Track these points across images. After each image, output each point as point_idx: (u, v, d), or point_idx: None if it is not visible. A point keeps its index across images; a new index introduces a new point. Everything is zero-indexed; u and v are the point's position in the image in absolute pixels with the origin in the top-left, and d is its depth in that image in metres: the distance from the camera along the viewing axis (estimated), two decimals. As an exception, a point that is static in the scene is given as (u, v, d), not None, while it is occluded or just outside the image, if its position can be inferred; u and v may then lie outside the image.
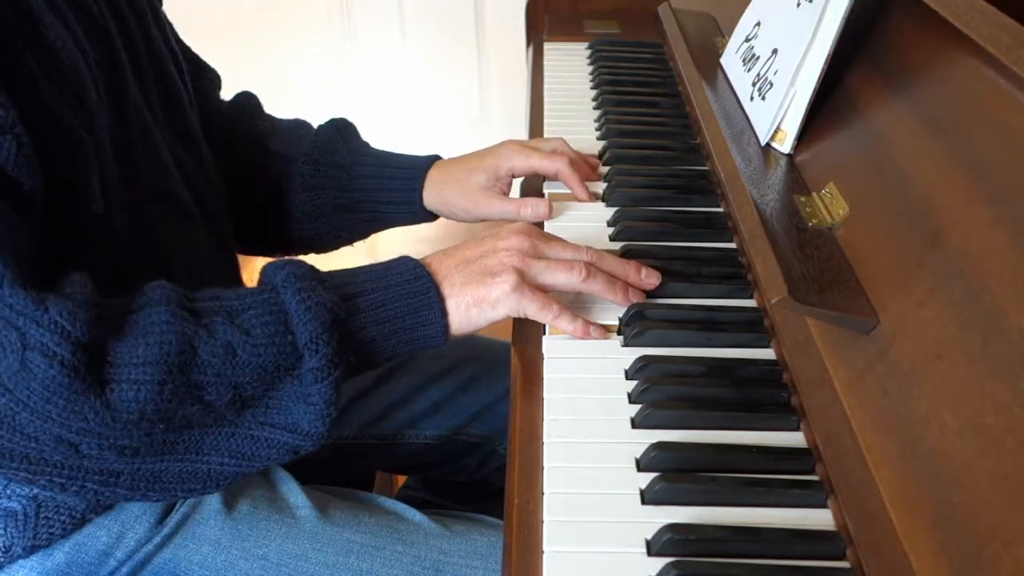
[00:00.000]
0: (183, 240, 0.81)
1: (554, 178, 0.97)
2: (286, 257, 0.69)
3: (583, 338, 0.73)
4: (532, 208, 0.92)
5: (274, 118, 1.03)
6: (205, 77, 0.99)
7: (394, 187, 0.96)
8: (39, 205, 0.63)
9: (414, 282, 0.69)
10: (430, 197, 0.96)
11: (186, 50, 0.97)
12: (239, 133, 0.98)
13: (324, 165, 0.97)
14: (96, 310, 0.59)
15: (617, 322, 0.77)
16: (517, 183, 1.00)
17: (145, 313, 0.60)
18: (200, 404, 0.61)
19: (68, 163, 0.66)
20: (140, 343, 0.59)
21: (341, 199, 0.97)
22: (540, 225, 0.91)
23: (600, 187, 0.99)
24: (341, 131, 0.99)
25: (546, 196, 0.96)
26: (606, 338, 0.74)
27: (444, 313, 0.69)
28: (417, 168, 0.96)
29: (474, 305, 0.70)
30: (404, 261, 0.71)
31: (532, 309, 0.71)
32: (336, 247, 1.03)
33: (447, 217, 0.97)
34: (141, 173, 0.76)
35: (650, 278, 0.78)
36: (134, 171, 0.75)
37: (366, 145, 1.01)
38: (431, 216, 0.98)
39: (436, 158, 0.98)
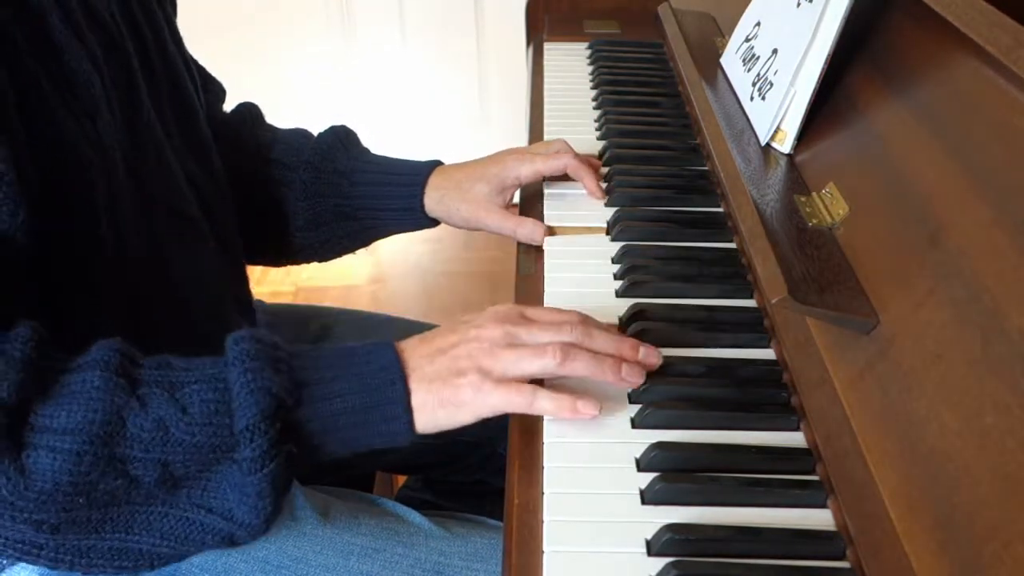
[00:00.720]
0: (193, 256, 0.80)
1: (562, 173, 0.96)
2: (250, 331, 0.63)
3: (572, 418, 0.65)
4: (529, 231, 0.91)
5: (274, 127, 1.02)
6: (210, 90, 0.99)
7: (395, 193, 0.95)
8: (18, 244, 0.61)
9: (380, 372, 0.63)
10: (431, 203, 0.95)
11: (194, 60, 0.97)
12: (241, 143, 0.98)
13: (325, 172, 0.96)
14: (31, 372, 0.56)
15: (617, 321, 0.77)
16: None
17: (78, 377, 0.58)
18: (125, 479, 0.57)
19: (75, 183, 0.66)
20: (64, 409, 0.56)
21: (342, 206, 0.96)
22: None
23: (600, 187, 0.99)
24: (341, 138, 0.99)
25: (544, 195, 0.96)
26: (598, 412, 0.66)
27: (409, 410, 0.63)
28: (418, 174, 0.96)
29: (439, 406, 0.63)
30: (377, 347, 0.65)
31: (500, 404, 0.64)
32: (337, 255, 1.02)
33: (446, 223, 0.97)
34: (153, 190, 0.76)
35: (649, 357, 0.69)
36: (146, 188, 0.75)
37: (367, 152, 1.00)
38: (433, 222, 0.97)
39: (437, 163, 0.97)
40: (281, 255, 1.02)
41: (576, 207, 0.96)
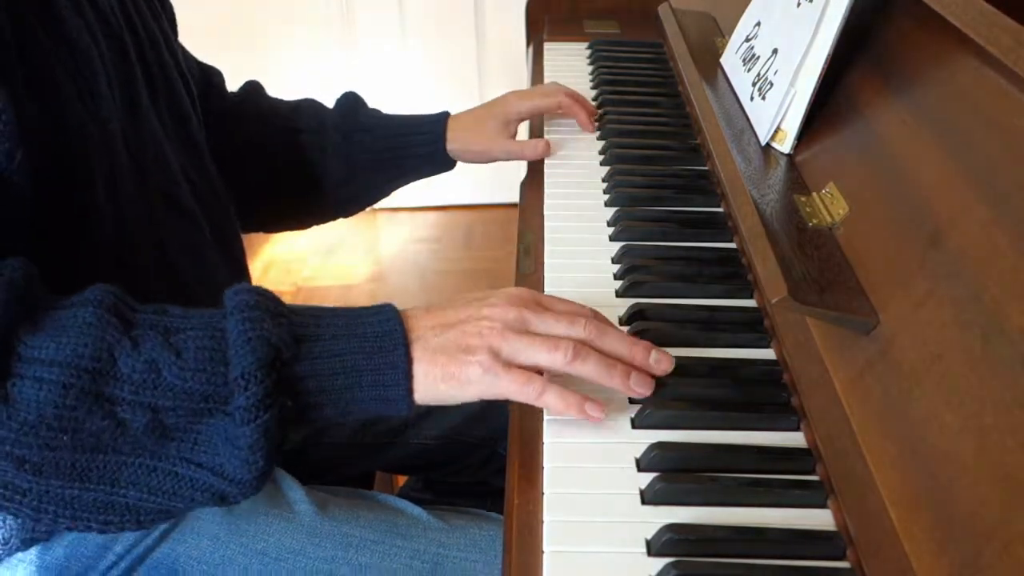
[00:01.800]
0: (191, 247, 0.81)
1: (556, 111, 1.12)
2: (257, 285, 0.63)
3: (578, 417, 0.64)
4: (531, 148, 1.07)
5: (284, 101, 1.10)
6: (213, 81, 1.04)
7: (418, 141, 1.07)
8: (22, 187, 0.61)
9: (383, 337, 0.61)
10: (451, 144, 1.07)
11: (189, 57, 0.99)
12: (263, 116, 1.06)
13: (353, 131, 1.06)
14: (18, 293, 0.55)
15: (617, 321, 0.77)
16: (524, 128, 1.15)
17: (71, 311, 0.57)
18: (112, 420, 0.56)
19: (72, 146, 0.66)
20: (53, 341, 0.55)
21: (371, 160, 1.06)
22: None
23: (600, 187, 1.00)
24: (355, 101, 1.09)
25: (546, 132, 1.11)
26: (604, 416, 0.65)
27: (409, 377, 0.61)
28: (436, 122, 1.08)
29: (443, 380, 0.62)
30: (381, 310, 0.64)
31: (508, 390, 0.62)
32: (362, 208, 1.13)
33: (463, 160, 1.09)
34: (152, 176, 0.76)
35: (661, 362, 0.67)
36: (145, 173, 0.75)
37: (379, 111, 1.10)
38: (450, 164, 1.09)
39: (447, 114, 1.09)
40: (313, 215, 1.12)
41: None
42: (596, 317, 0.67)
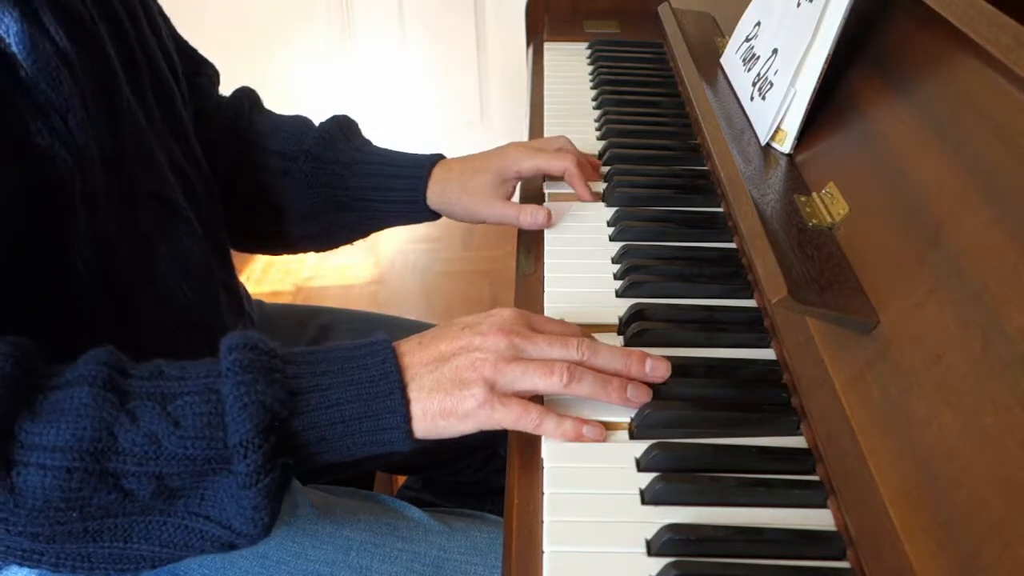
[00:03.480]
0: (175, 242, 0.79)
1: (560, 177, 0.97)
2: (244, 337, 0.62)
3: (575, 441, 0.64)
4: (531, 216, 0.92)
5: (274, 114, 1.02)
6: (203, 72, 0.98)
7: (397, 186, 0.95)
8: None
9: (379, 381, 0.62)
10: (433, 196, 0.95)
11: (183, 44, 0.96)
12: (239, 130, 0.97)
13: (327, 162, 0.95)
14: (14, 389, 0.56)
15: (617, 321, 0.77)
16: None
17: (66, 393, 0.57)
18: (119, 492, 0.57)
19: (48, 183, 0.65)
20: (53, 426, 0.55)
21: (342, 197, 0.96)
22: (540, 233, 0.91)
23: (600, 187, 1.00)
24: (343, 128, 0.98)
25: (546, 195, 0.97)
26: (604, 439, 0.65)
27: (408, 419, 0.62)
28: (420, 167, 0.95)
29: (441, 417, 0.62)
30: (376, 350, 0.64)
31: (506, 421, 0.63)
32: (335, 246, 1.02)
33: (448, 217, 0.97)
34: (134, 177, 0.75)
35: (657, 370, 0.67)
36: (127, 177, 0.74)
37: (368, 143, 1.00)
38: (434, 216, 0.97)
39: (440, 157, 0.97)
40: (278, 245, 1.01)
41: (577, 206, 0.96)
42: (588, 336, 0.68)
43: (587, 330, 0.71)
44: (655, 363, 0.67)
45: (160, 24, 0.87)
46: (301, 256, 1.04)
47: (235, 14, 2.46)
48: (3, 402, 0.55)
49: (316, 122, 1.00)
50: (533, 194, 0.99)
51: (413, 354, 0.64)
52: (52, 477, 0.55)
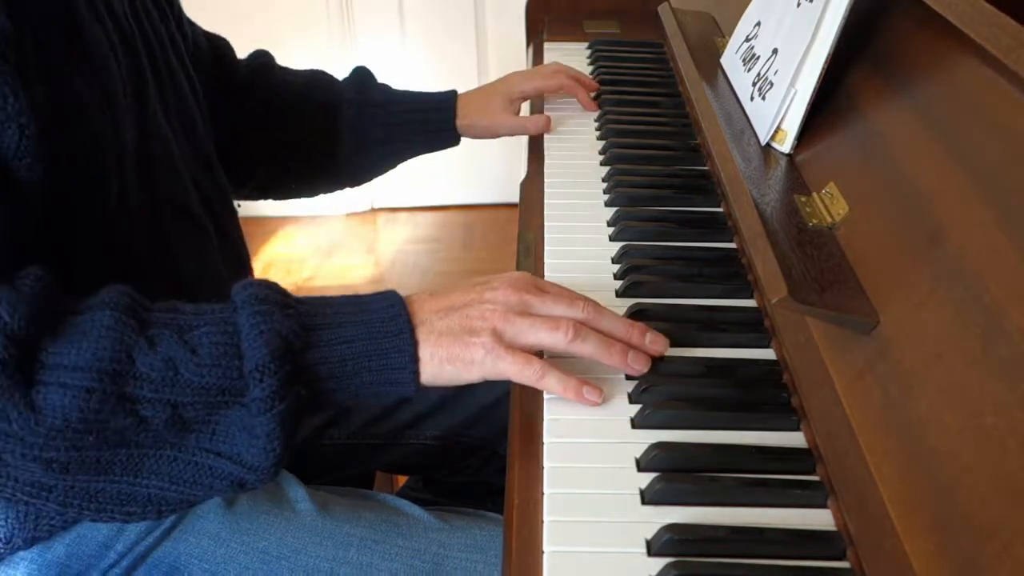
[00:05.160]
0: (199, 255, 0.81)
1: (558, 91, 1.17)
2: (260, 279, 0.65)
3: (576, 400, 0.66)
4: (534, 124, 1.13)
5: (296, 70, 1.12)
6: (223, 55, 1.07)
7: (428, 119, 1.11)
8: (37, 196, 0.62)
9: (388, 322, 0.64)
10: (460, 121, 1.11)
11: (198, 29, 1.03)
12: (275, 84, 1.08)
13: (365, 106, 1.08)
14: (40, 305, 0.57)
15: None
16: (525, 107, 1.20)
17: (88, 316, 0.58)
18: (134, 418, 0.58)
19: (89, 156, 0.66)
20: (74, 346, 0.56)
21: (379, 134, 1.09)
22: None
23: (600, 187, 1.00)
24: (365, 77, 1.12)
25: (545, 110, 1.14)
26: (603, 401, 0.67)
27: (415, 360, 0.63)
28: (446, 100, 1.12)
29: (447, 361, 0.64)
30: (385, 296, 0.66)
31: (510, 371, 0.65)
32: (371, 179, 1.16)
33: (471, 136, 1.13)
34: (160, 186, 0.76)
35: (656, 343, 0.70)
36: (153, 183, 0.75)
37: (388, 86, 1.13)
38: (458, 140, 1.13)
39: (456, 92, 1.13)
40: (319, 185, 1.14)
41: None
42: (594, 301, 0.70)
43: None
44: (654, 337, 0.70)
45: (185, 56, 0.90)
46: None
47: (235, 13, 2.46)
48: (33, 320, 0.56)
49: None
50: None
51: (423, 303, 0.66)
52: (72, 396, 0.56)
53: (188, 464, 0.61)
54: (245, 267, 0.94)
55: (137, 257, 0.73)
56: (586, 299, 0.69)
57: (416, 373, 0.64)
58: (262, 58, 1.11)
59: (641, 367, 0.68)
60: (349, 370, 0.63)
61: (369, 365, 0.63)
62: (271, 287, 0.63)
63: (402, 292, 0.68)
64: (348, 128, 1.08)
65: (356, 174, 1.14)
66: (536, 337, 0.66)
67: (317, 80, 1.11)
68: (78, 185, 0.66)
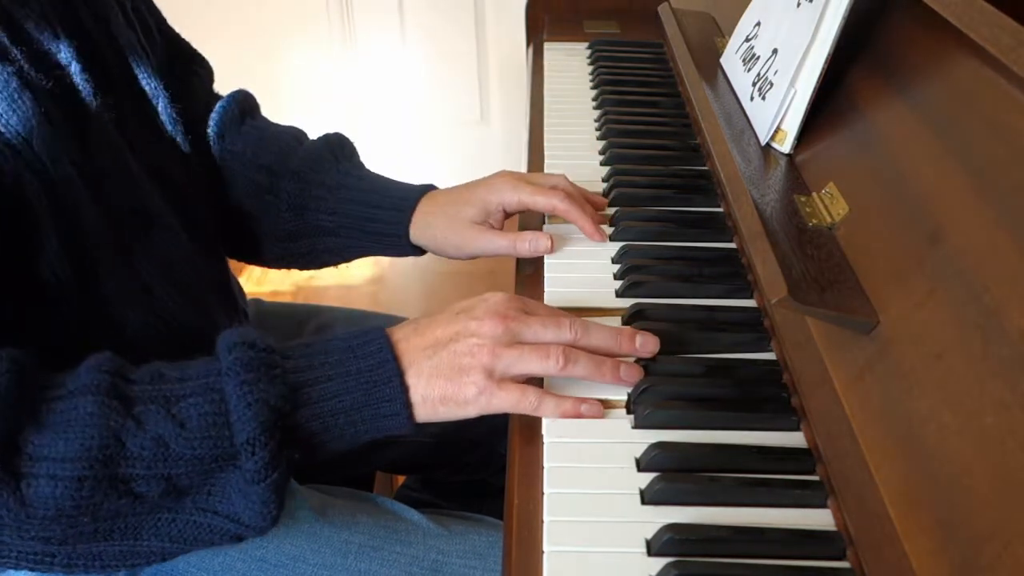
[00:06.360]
0: (154, 249, 0.77)
1: (549, 212, 0.90)
2: (242, 334, 0.62)
3: (576, 418, 0.66)
4: (531, 243, 0.86)
5: (267, 124, 0.97)
6: (196, 71, 0.95)
7: (380, 217, 0.90)
8: None
9: (376, 369, 0.63)
10: (417, 231, 0.90)
11: (176, 39, 0.95)
12: (227, 136, 0.94)
13: (311, 184, 0.91)
14: (14, 398, 0.56)
15: (620, 322, 0.77)
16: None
17: (71, 402, 0.57)
18: (130, 496, 0.58)
19: (14, 206, 0.64)
20: (60, 437, 0.56)
21: (325, 222, 0.92)
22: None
23: (600, 187, 0.99)
24: (334, 149, 0.94)
25: (545, 231, 0.90)
26: (603, 416, 0.67)
27: (408, 405, 0.63)
28: (405, 200, 0.90)
29: (441, 403, 0.64)
30: (370, 339, 0.65)
31: (505, 406, 0.65)
32: (318, 267, 0.98)
33: (436, 254, 0.92)
34: (108, 190, 0.73)
35: (647, 345, 0.70)
36: (102, 190, 0.72)
37: (358, 167, 0.95)
38: (418, 251, 0.92)
39: (429, 188, 0.92)
40: (261, 260, 0.98)
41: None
42: (579, 317, 0.70)
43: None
44: (644, 339, 0.70)
45: (142, 15, 0.85)
46: (283, 269, 1.02)
47: (235, 13, 2.46)
48: (6, 418, 0.55)
49: (311, 135, 0.97)
50: (532, 228, 0.92)
51: (409, 340, 0.65)
52: (63, 487, 0.55)
53: (187, 524, 0.61)
54: (218, 259, 0.90)
55: (95, 265, 0.70)
56: (572, 318, 0.69)
57: (410, 417, 0.64)
58: (233, 100, 0.95)
59: (633, 379, 0.68)
60: (341, 423, 0.63)
61: (362, 416, 0.63)
62: (255, 346, 0.61)
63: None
64: (287, 205, 0.92)
65: (298, 259, 0.96)
66: (527, 368, 0.65)
67: (276, 141, 0.94)
68: (7, 233, 0.64)
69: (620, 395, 0.68)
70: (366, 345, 0.64)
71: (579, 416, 0.66)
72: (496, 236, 0.88)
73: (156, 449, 0.57)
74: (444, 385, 0.64)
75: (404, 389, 0.63)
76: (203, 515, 0.61)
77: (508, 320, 0.66)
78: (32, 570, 0.61)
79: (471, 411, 0.65)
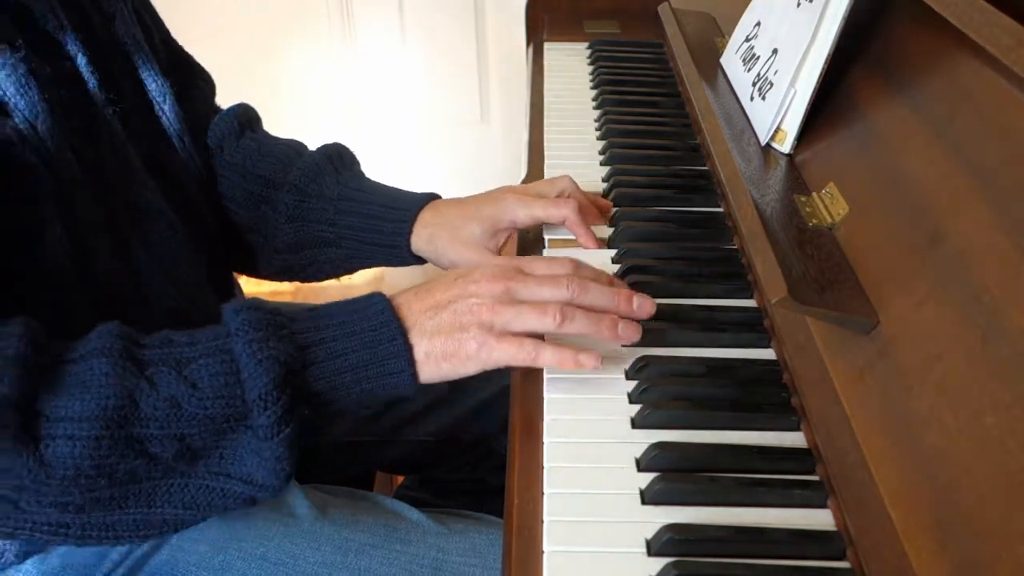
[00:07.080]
0: (153, 243, 0.78)
1: (560, 224, 0.88)
2: (247, 300, 0.64)
3: (574, 369, 0.67)
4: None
5: (267, 137, 0.97)
6: (196, 85, 0.95)
7: (380, 228, 0.88)
8: None
9: (380, 328, 0.65)
10: (419, 242, 0.88)
11: (178, 51, 0.95)
12: (226, 149, 0.94)
13: (310, 196, 0.90)
14: (28, 365, 0.56)
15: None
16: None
17: (85, 364, 0.58)
18: (144, 457, 0.59)
19: (17, 180, 0.65)
20: (76, 398, 0.57)
21: (324, 233, 0.91)
22: (540, 234, 0.89)
23: (600, 187, 0.99)
24: (333, 160, 0.93)
25: (545, 242, 0.89)
26: (601, 367, 0.68)
27: (412, 362, 0.65)
28: (407, 210, 0.88)
29: (443, 359, 0.66)
30: (373, 303, 0.66)
31: (504, 358, 0.66)
32: (318, 280, 0.96)
33: (434, 264, 0.89)
34: (111, 184, 0.74)
35: (644, 307, 0.71)
36: (105, 184, 0.73)
37: (358, 177, 0.93)
38: (420, 260, 0.90)
39: (432, 197, 0.90)
40: (260, 273, 0.97)
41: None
42: (578, 273, 0.71)
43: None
44: (641, 301, 0.71)
45: (140, 25, 0.85)
46: (283, 281, 1.02)
47: (235, 13, 2.46)
48: (24, 381, 0.56)
49: (311, 135, 0.97)
50: (532, 240, 0.91)
51: (410, 304, 0.67)
52: (81, 447, 0.56)
53: (200, 488, 0.62)
54: (218, 257, 0.90)
55: (94, 255, 0.71)
56: (569, 271, 0.70)
57: (414, 374, 0.65)
58: (233, 113, 0.95)
59: (632, 335, 0.69)
60: (348, 381, 0.64)
61: (367, 374, 0.64)
62: (261, 309, 0.63)
63: (400, 289, 0.68)
64: (285, 217, 0.91)
65: (298, 271, 0.95)
66: (524, 325, 0.67)
67: (275, 153, 0.93)
68: (10, 209, 0.65)
69: (622, 395, 0.68)
70: (368, 308, 0.66)
71: (578, 365, 0.67)
72: (492, 260, 0.86)
73: (169, 410, 0.58)
74: (446, 342, 0.65)
75: (408, 347, 0.65)
76: (216, 479, 0.62)
77: (506, 280, 0.68)
78: (47, 541, 0.61)
79: (471, 366, 0.66)
